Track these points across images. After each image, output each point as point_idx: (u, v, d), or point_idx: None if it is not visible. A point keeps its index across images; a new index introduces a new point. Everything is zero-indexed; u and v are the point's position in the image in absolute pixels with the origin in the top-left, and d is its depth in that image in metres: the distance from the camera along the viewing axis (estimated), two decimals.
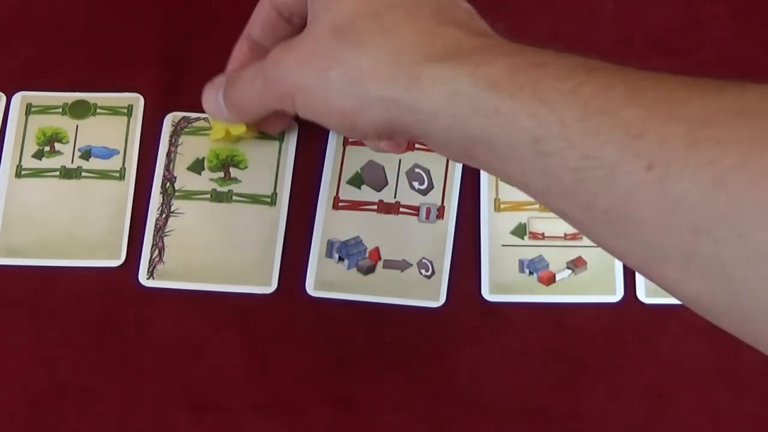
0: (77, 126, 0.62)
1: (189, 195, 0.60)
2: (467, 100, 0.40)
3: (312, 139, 0.62)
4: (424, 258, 0.59)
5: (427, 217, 0.59)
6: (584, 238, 0.58)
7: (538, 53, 0.40)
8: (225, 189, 0.60)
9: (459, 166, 0.61)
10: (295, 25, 0.55)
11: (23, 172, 0.61)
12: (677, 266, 0.36)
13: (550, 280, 0.58)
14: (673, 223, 0.35)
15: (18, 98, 0.63)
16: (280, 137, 0.62)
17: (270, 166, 0.61)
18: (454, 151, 0.42)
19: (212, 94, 0.54)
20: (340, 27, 0.44)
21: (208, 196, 0.60)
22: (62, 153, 0.61)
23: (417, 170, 0.61)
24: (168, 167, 0.61)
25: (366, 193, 0.60)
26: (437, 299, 0.58)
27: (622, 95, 0.37)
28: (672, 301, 0.56)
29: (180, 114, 0.62)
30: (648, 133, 0.35)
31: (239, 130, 0.59)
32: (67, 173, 0.61)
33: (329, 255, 0.59)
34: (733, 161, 0.33)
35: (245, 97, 0.51)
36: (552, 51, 0.41)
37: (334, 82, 0.44)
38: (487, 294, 0.58)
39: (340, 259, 0.59)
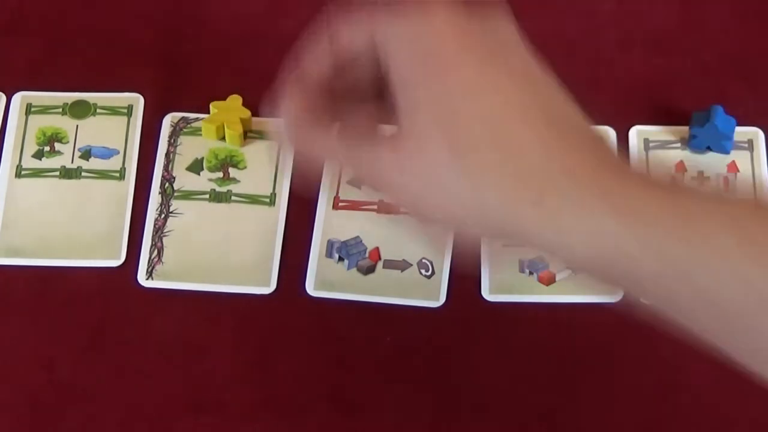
0: (77, 126, 0.62)
1: (188, 195, 0.60)
2: (613, 241, 0.37)
3: None
4: (424, 258, 0.59)
5: None
6: None
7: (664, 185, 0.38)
8: (224, 189, 0.60)
9: None
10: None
11: (23, 172, 0.61)
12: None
13: (550, 280, 0.58)
14: None
15: (18, 98, 0.63)
16: (279, 136, 0.62)
17: (269, 166, 0.61)
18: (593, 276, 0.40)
19: (314, 137, 0.44)
20: (455, 138, 0.39)
21: (207, 196, 0.60)
22: (62, 153, 0.61)
23: None
24: (167, 167, 0.61)
25: (366, 193, 0.60)
26: (437, 299, 0.58)
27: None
28: None
29: (179, 114, 0.62)
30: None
31: (235, 137, 0.60)
32: (67, 173, 0.61)
33: (329, 255, 0.59)
34: None
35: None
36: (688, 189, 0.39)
37: (462, 206, 0.39)
38: (487, 294, 0.58)
39: (340, 259, 0.59)
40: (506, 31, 0.44)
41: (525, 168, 0.38)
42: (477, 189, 0.39)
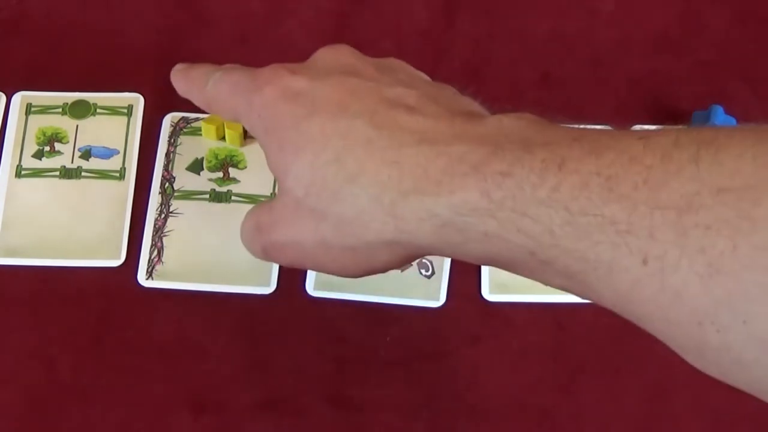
0: (77, 126, 0.62)
1: (188, 195, 0.60)
2: (456, 230, 0.39)
3: None
4: (424, 258, 0.59)
5: None
6: None
7: (501, 155, 0.39)
8: (224, 189, 0.60)
9: None
10: None
11: (23, 172, 0.61)
12: (695, 357, 0.35)
13: None
14: (677, 317, 0.34)
15: (18, 98, 0.63)
16: None
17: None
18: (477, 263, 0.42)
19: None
20: (309, 184, 0.42)
21: (207, 196, 0.60)
22: (62, 153, 0.61)
23: None
24: (167, 167, 0.61)
25: None
26: (437, 299, 0.58)
27: (600, 190, 0.36)
28: None
29: (179, 114, 0.62)
30: (636, 227, 0.35)
31: (235, 137, 0.60)
32: (67, 173, 0.61)
33: None
34: (724, 246, 0.33)
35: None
36: (513, 137, 0.40)
37: (331, 242, 0.43)
38: (487, 294, 0.58)
39: None
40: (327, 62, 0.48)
41: (372, 193, 0.41)
42: (343, 227, 0.42)
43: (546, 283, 0.39)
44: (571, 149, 0.37)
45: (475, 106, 0.47)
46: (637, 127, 0.62)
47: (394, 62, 0.49)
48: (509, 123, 0.41)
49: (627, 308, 0.36)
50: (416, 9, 0.66)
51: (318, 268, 0.45)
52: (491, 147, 0.39)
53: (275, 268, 0.58)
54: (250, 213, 0.48)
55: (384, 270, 0.44)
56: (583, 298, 0.39)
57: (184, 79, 0.53)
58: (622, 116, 0.62)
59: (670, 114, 0.62)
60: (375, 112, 0.42)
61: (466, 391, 0.56)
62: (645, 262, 0.34)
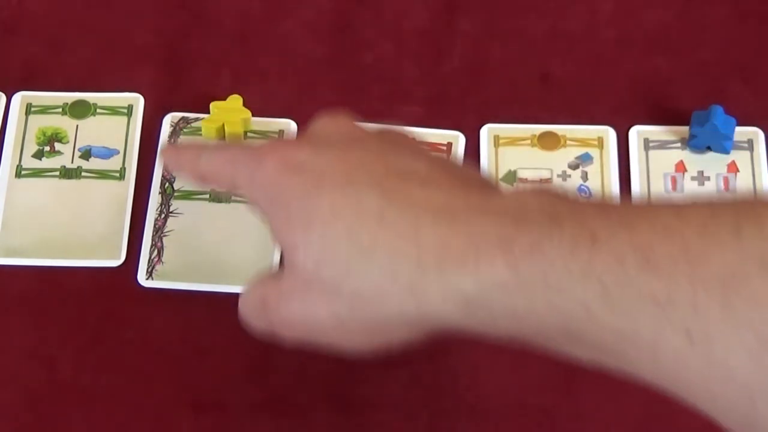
0: (77, 126, 0.62)
1: (188, 195, 0.60)
2: (484, 307, 0.38)
3: None
4: None
5: None
6: None
7: (527, 230, 0.37)
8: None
9: None
10: None
11: (23, 172, 0.61)
12: (742, 430, 0.34)
13: None
14: (726, 393, 0.33)
15: (18, 98, 0.63)
16: (280, 137, 0.62)
17: None
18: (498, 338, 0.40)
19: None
20: (320, 259, 0.41)
21: (207, 196, 0.60)
22: (62, 153, 0.61)
23: None
24: (167, 167, 0.61)
25: None
26: None
27: (636, 264, 0.35)
28: None
29: (179, 114, 0.62)
30: (678, 301, 0.34)
31: (235, 137, 0.60)
32: (67, 173, 0.61)
33: None
34: None
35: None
36: (537, 212, 0.38)
37: (346, 318, 0.41)
38: None
39: None
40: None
41: (389, 268, 0.40)
42: (358, 303, 0.41)
43: (574, 358, 0.38)
44: (600, 222, 0.36)
45: (485, 178, 0.46)
46: (638, 127, 0.62)
47: (396, 133, 0.48)
48: (529, 197, 0.39)
49: (669, 383, 0.35)
50: (416, 9, 0.66)
51: (330, 345, 0.43)
52: (515, 221, 0.38)
53: (276, 268, 0.58)
54: (252, 287, 0.46)
55: (401, 348, 0.42)
56: (616, 371, 0.37)
57: (174, 155, 0.51)
58: (622, 116, 0.62)
59: (670, 114, 0.62)
60: (386, 184, 0.41)
61: (466, 391, 0.56)
62: (689, 337, 0.33)
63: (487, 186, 0.43)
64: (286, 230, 0.42)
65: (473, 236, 0.38)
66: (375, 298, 0.40)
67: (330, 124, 0.46)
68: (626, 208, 0.38)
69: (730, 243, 0.34)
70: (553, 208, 0.38)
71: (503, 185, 0.43)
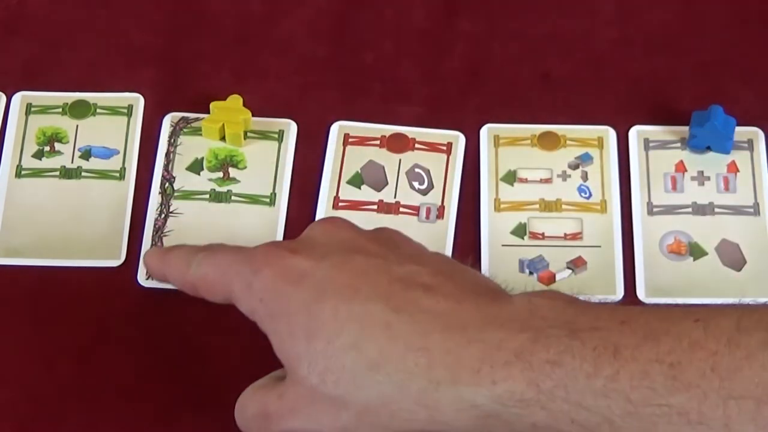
0: (77, 126, 0.62)
1: (188, 195, 0.60)
2: (501, 421, 0.37)
3: (312, 139, 0.62)
4: None
5: (427, 217, 0.59)
6: (584, 237, 0.58)
7: (545, 342, 0.37)
8: (224, 189, 0.60)
9: (459, 166, 0.61)
10: None
11: (23, 172, 0.61)
12: None
13: (550, 280, 0.57)
14: None
15: (18, 98, 0.63)
16: (279, 137, 0.62)
17: (269, 166, 0.61)
18: None
19: None
20: (325, 371, 0.40)
21: (207, 196, 0.60)
22: (62, 153, 0.61)
23: (417, 170, 0.61)
24: (167, 167, 0.61)
25: (366, 193, 0.60)
26: None
27: (663, 379, 0.34)
28: (671, 300, 0.56)
29: (179, 114, 0.62)
30: (709, 417, 0.33)
31: (235, 137, 0.60)
32: (67, 173, 0.61)
33: None
34: None
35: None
36: (552, 321, 0.37)
37: (353, 431, 0.40)
38: None
39: None
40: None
41: (399, 381, 0.39)
42: (366, 415, 0.40)
43: None
44: (622, 334, 0.36)
45: (489, 281, 0.45)
46: (638, 127, 0.62)
47: (392, 233, 0.47)
48: (542, 304, 0.39)
49: None
50: (416, 9, 0.66)
51: None
52: (531, 332, 0.37)
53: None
54: (252, 398, 0.45)
55: None
56: None
57: (160, 262, 0.50)
58: (622, 116, 0.62)
59: (670, 114, 0.62)
60: (390, 294, 0.40)
61: None
62: None
63: (494, 291, 0.42)
64: (289, 342, 0.42)
65: (487, 349, 0.37)
66: (384, 411, 0.39)
67: (327, 228, 0.45)
68: (646, 317, 0.37)
69: (761, 358, 0.33)
70: (569, 317, 0.37)
71: (506, 290, 0.44)
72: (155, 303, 0.58)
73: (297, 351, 0.41)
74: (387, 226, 0.48)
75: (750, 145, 0.61)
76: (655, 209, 0.59)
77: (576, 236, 0.58)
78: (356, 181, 0.60)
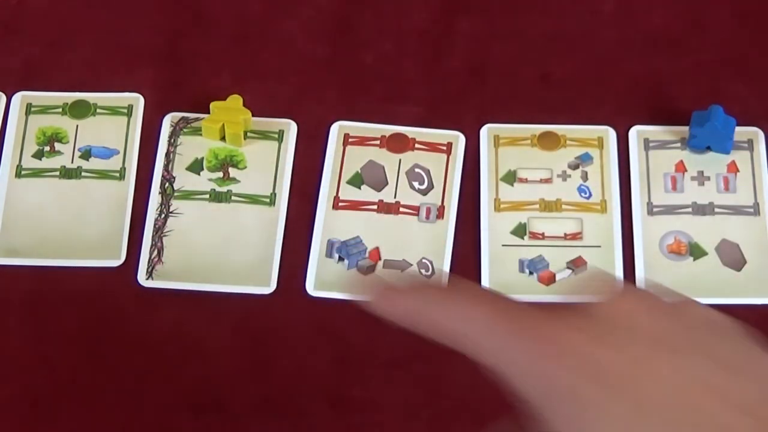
0: (77, 126, 0.62)
1: (188, 195, 0.60)
2: None
3: (312, 139, 0.62)
4: (424, 258, 0.59)
5: (427, 217, 0.59)
6: (584, 237, 0.58)
7: None
8: (224, 189, 0.60)
9: (459, 166, 0.61)
10: None
11: (23, 172, 0.61)
12: None
13: (550, 280, 0.58)
14: None
15: (18, 98, 0.63)
16: (279, 137, 0.62)
17: (269, 166, 0.61)
18: None
19: None
20: None
21: (207, 196, 0.60)
22: (62, 153, 0.61)
23: (417, 170, 0.61)
24: (167, 167, 0.61)
25: (366, 193, 0.60)
26: None
27: None
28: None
29: (179, 114, 0.62)
30: None
31: (235, 137, 0.60)
32: (67, 173, 0.61)
33: (329, 255, 0.59)
34: None
35: None
36: None
37: None
38: None
39: (340, 259, 0.59)
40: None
41: None
42: None
43: None
44: None
45: None
46: (638, 127, 0.62)
47: (716, 316, 0.34)
48: None
49: None
50: (416, 9, 0.66)
51: None
52: None
53: (275, 267, 0.58)
54: None
55: None
56: None
57: (395, 298, 0.34)
58: (622, 116, 0.62)
59: (670, 114, 0.62)
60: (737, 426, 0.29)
61: (466, 391, 0.56)
62: None
63: None
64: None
65: None
66: None
67: (636, 308, 0.35)
68: None
69: None
70: None
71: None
72: (155, 303, 0.58)
73: None
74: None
75: (750, 145, 0.61)
76: (655, 209, 0.59)
77: (576, 236, 0.58)
78: (356, 181, 0.60)
